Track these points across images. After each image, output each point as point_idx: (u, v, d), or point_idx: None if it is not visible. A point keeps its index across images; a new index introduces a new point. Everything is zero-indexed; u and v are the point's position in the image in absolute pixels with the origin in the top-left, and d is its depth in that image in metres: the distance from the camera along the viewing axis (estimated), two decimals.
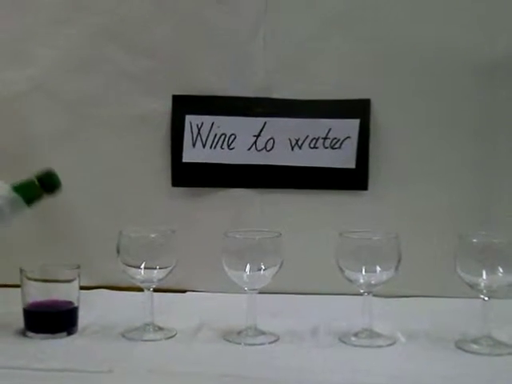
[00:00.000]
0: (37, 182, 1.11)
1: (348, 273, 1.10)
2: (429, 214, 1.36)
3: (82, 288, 1.31)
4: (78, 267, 1.14)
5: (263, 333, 1.12)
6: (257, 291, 1.12)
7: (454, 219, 1.33)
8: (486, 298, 1.05)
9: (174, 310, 1.25)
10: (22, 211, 1.11)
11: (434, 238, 1.32)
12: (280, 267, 1.11)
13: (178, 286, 1.40)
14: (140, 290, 1.15)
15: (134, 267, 1.13)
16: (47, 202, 1.40)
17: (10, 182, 1.11)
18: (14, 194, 1.09)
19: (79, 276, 1.14)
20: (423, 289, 1.33)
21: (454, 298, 1.25)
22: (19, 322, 1.13)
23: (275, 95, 1.39)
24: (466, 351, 1.05)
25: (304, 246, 1.36)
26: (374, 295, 1.11)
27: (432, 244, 1.32)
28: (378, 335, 1.11)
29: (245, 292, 1.11)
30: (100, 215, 1.42)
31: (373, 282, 1.09)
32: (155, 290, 1.29)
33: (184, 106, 1.40)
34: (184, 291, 1.41)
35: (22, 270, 1.11)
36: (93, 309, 1.23)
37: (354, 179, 1.39)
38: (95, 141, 1.42)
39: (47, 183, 1.12)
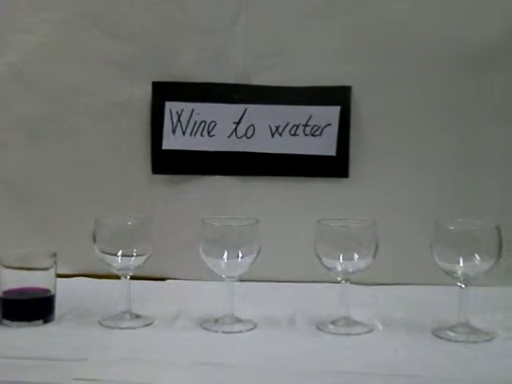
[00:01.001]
0: None
1: (325, 260, 1.09)
2: (409, 202, 1.36)
3: (61, 276, 1.30)
4: (55, 255, 1.13)
5: (240, 320, 1.12)
6: (235, 279, 1.11)
7: (434, 208, 1.32)
8: (463, 286, 1.05)
9: (153, 298, 1.24)
10: None
11: (413, 225, 1.32)
12: (258, 254, 1.10)
13: (157, 274, 1.39)
14: (119, 277, 1.14)
15: (111, 255, 1.12)
16: (26, 190, 1.41)
17: None
18: None
19: (56, 263, 1.13)
20: (401, 276, 1.33)
21: (432, 286, 1.25)
22: None
23: (255, 82, 1.38)
24: (443, 338, 1.05)
25: (284, 234, 1.36)
26: (352, 283, 1.10)
27: (411, 232, 1.32)
28: (356, 323, 1.11)
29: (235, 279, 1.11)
30: (80, 202, 1.41)
31: (350, 269, 1.09)
32: (135, 278, 1.28)
33: (164, 92, 1.39)
34: (164, 279, 1.40)
35: None
36: (71, 297, 1.22)
37: (334, 167, 1.38)
38: (74, 128, 1.41)
39: None
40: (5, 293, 1.11)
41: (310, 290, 1.28)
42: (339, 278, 1.10)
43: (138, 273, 1.27)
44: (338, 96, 1.37)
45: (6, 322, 1.10)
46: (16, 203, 1.40)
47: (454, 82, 1.34)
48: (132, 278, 1.22)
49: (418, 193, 1.36)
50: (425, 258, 1.09)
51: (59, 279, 1.21)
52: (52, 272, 1.13)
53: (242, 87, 1.39)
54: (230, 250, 1.09)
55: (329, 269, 1.10)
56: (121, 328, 1.10)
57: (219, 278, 1.11)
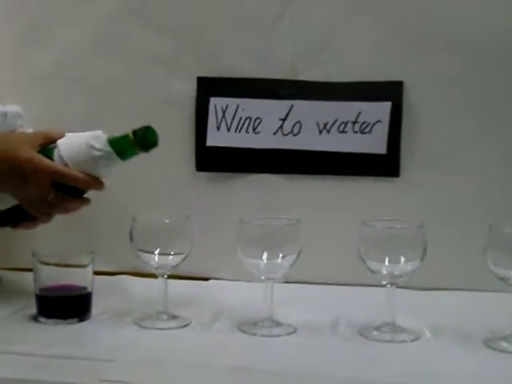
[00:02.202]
0: (132, 137, 1.06)
1: (370, 263, 1.04)
2: (462, 203, 1.29)
3: (104, 274, 1.30)
4: (92, 252, 1.11)
5: (280, 324, 1.07)
6: (274, 280, 1.07)
7: (488, 210, 1.25)
8: None
9: (194, 299, 1.21)
10: (116, 165, 1.08)
11: (466, 228, 1.25)
12: (298, 256, 1.06)
13: (201, 274, 1.37)
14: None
15: (148, 253, 1.09)
16: None
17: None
18: (109, 148, 1.06)
19: (93, 261, 1.11)
20: (451, 281, 1.26)
21: (484, 292, 1.18)
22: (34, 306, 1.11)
23: (302, 77, 1.33)
24: (495, 349, 0.99)
25: (331, 234, 1.32)
26: (398, 287, 1.05)
27: (464, 235, 1.25)
28: (402, 329, 1.05)
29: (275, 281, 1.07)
30: (123, 200, 1.38)
31: (396, 273, 1.03)
32: (178, 278, 1.26)
33: (209, 88, 1.36)
34: (207, 279, 1.37)
35: (34, 254, 1.09)
36: (111, 295, 1.21)
37: (384, 165, 1.32)
38: (118, 124, 1.37)
39: (142, 140, 1.07)
40: (41, 290, 1.10)
41: (354, 294, 1.23)
42: (384, 282, 1.04)
43: (181, 272, 1.25)
44: (389, 91, 1.31)
45: (42, 319, 1.09)
46: None
47: (509, 73, 1.27)
48: (175, 277, 1.20)
49: (473, 194, 1.29)
50: (477, 262, 1.02)
51: (101, 277, 1.20)
52: (89, 270, 1.11)
53: (288, 82, 1.34)
54: (270, 251, 1.05)
55: (373, 272, 1.04)
56: (156, 328, 1.07)
57: (262, 280, 1.07)
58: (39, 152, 1.09)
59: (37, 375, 0.88)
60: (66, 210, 1.12)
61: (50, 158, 1.09)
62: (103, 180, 1.11)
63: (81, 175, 1.08)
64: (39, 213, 1.12)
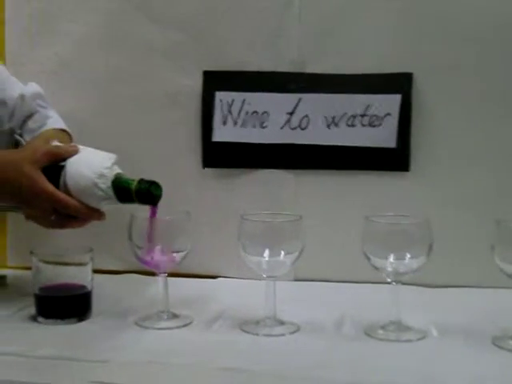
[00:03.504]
0: (134, 190, 1.05)
1: (374, 260, 1.01)
2: (473, 198, 1.25)
3: (106, 272, 1.28)
4: (91, 250, 1.09)
5: (283, 323, 1.05)
6: (276, 278, 1.04)
7: (498, 205, 1.21)
8: None
9: (197, 297, 1.19)
10: (115, 204, 1.08)
11: (475, 223, 1.22)
12: (301, 253, 1.03)
13: (209, 272, 1.35)
14: (171, 275, 1.09)
15: None
16: None
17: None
18: (111, 192, 1.06)
19: (92, 259, 1.09)
20: (458, 278, 1.22)
21: (492, 289, 1.14)
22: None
23: (310, 70, 1.31)
24: (503, 348, 0.95)
25: (338, 231, 1.29)
26: (404, 284, 1.01)
27: (474, 230, 1.21)
28: (407, 328, 1.02)
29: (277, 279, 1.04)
30: None
31: (401, 270, 1.00)
32: (186, 276, 1.24)
33: (214, 82, 1.33)
34: (215, 277, 1.35)
35: (32, 253, 1.07)
36: (113, 294, 1.19)
37: (394, 159, 1.29)
38: (123, 119, 1.37)
39: (143, 197, 1.06)
40: (40, 289, 1.08)
41: (359, 292, 1.20)
42: (389, 280, 1.01)
43: (188, 270, 1.23)
44: (399, 84, 1.28)
45: (40, 319, 1.07)
46: None
47: None
48: (180, 275, 1.18)
49: (483, 189, 1.25)
50: (486, 258, 0.98)
51: (102, 275, 1.18)
52: (88, 268, 1.09)
53: (295, 76, 1.31)
54: (272, 248, 1.02)
55: (377, 269, 1.01)
56: (156, 328, 1.05)
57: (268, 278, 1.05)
58: (44, 171, 1.07)
59: (21, 377, 0.86)
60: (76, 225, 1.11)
61: (55, 178, 1.07)
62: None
63: (82, 207, 1.06)
64: (48, 227, 1.11)
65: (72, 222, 1.09)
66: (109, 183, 1.06)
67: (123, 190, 1.06)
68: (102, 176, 1.06)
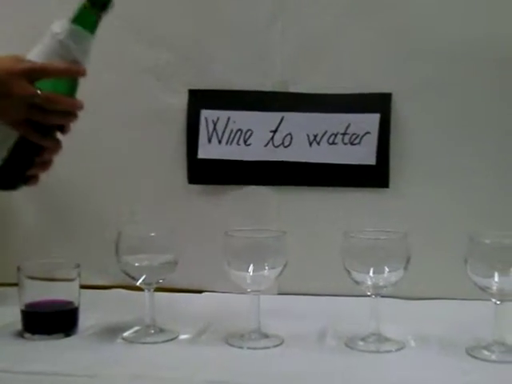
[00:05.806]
0: (87, 4, 1.00)
1: (355, 274, 1.04)
2: (448, 214, 1.29)
3: (98, 288, 1.30)
4: (78, 266, 1.11)
5: (267, 336, 1.08)
6: (260, 293, 1.07)
7: (471, 221, 1.25)
8: (498, 302, 0.99)
9: (183, 311, 1.22)
10: (89, 42, 1.03)
11: (449, 238, 1.25)
12: (284, 268, 1.06)
13: (195, 287, 1.37)
14: (158, 290, 1.11)
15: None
16: (62, 200, 1.40)
17: None
18: (72, 26, 0.99)
19: (79, 275, 1.11)
20: (434, 291, 1.26)
21: (468, 301, 1.18)
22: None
23: (293, 89, 1.35)
24: (477, 358, 0.99)
25: (320, 246, 1.32)
26: (383, 297, 1.05)
27: (448, 245, 1.24)
28: (387, 339, 1.05)
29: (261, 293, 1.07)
30: (113, 213, 1.38)
31: (381, 283, 1.03)
32: (172, 290, 1.26)
33: (199, 100, 1.37)
34: (201, 291, 1.37)
35: (19, 269, 1.08)
36: (100, 309, 1.21)
37: (374, 176, 1.33)
38: (110, 135, 1.39)
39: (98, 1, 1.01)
40: (27, 306, 1.09)
41: (340, 305, 1.23)
42: (369, 293, 1.04)
43: (173, 285, 1.25)
44: (378, 103, 1.32)
45: (27, 335, 1.08)
46: (43, 212, 1.39)
47: (499, 89, 1.27)
48: (167, 290, 1.20)
49: (458, 205, 1.29)
50: (460, 271, 1.02)
51: (89, 290, 1.20)
52: (76, 284, 1.11)
53: (279, 95, 1.35)
54: (256, 263, 1.05)
55: (358, 283, 1.05)
56: (142, 343, 1.07)
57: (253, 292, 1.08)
58: None
59: None
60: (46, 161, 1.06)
61: None
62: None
63: (60, 63, 0.99)
64: (36, 133, 1.03)
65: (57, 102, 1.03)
66: (65, 22, 1.00)
67: (78, 13, 1.00)
68: (56, 24, 1.00)
